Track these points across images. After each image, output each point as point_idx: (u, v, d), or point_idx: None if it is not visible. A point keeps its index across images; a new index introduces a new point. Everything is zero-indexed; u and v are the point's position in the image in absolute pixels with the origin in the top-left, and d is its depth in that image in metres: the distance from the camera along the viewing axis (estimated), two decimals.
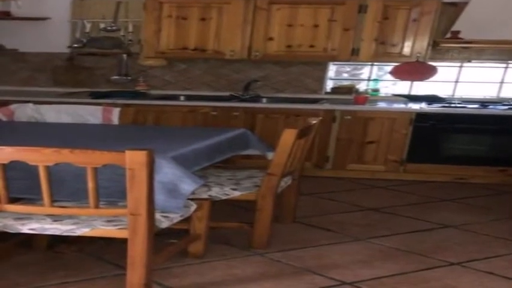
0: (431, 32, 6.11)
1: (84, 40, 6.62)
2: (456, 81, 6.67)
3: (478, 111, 6.09)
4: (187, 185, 3.19)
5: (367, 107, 6.17)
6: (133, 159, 2.86)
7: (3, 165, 3.00)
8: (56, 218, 3.13)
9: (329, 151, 6.17)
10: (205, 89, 6.77)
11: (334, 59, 6.44)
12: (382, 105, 6.29)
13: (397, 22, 6.14)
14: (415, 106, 6.20)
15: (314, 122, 4.31)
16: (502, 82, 6.60)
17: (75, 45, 6.66)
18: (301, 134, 3.97)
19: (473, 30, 6.04)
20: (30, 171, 3.03)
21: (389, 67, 6.47)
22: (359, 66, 6.89)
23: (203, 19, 6.34)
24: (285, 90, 6.68)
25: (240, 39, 6.33)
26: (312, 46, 6.25)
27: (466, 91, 6.64)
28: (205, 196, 3.80)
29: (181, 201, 3.20)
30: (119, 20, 6.62)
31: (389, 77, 6.55)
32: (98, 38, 6.63)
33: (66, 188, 3.20)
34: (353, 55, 6.23)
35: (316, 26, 6.20)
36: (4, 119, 4.75)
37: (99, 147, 2.96)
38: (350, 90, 6.61)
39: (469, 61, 6.53)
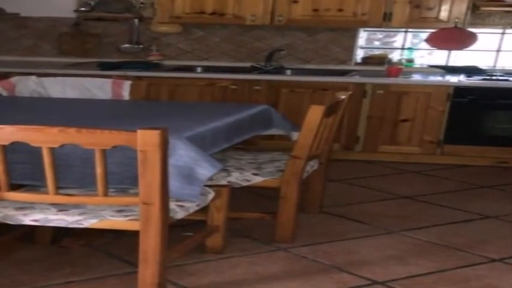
0: None
1: (92, 3, 6.57)
2: (498, 50, 6.56)
3: None
4: (205, 170, 3.12)
5: (400, 80, 6.06)
6: (146, 139, 2.79)
7: (3, 146, 2.95)
8: (61, 208, 3.09)
9: (359, 131, 6.08)
10: (224, 59, 6.69)
11: (364, 24, 6.33)
12: (416, 77, 6.18)
13: None
14: (452, 79, 6.09)
15: (343, 97, 4.20)
16: None
17: (82, 9, 6.62)
18: (329, 112, 3.87)
19: None
20: (32, 153, 2.97)
21: (424, 34, 6.36)
22: (392, 34, 6.80)
23: None
24: (311, 61, 6.59)
25: (262, 2, 6.25)
26: (340, 10, 6.16)
27: (509, 61, 6.51)
28: (224, 182, 3.75)
29: (198, 188, 3.13)
30: None
31: (424, 45, 6.43)
32: (106, 1, 6.57)
33: (72, 173, 3.15)
34: (385, 20, 6.14)
35: None
36: (4, 93, 4.72)
37: (108, 126, 2.90)
38: (382, 60, 6.52)
39: None
